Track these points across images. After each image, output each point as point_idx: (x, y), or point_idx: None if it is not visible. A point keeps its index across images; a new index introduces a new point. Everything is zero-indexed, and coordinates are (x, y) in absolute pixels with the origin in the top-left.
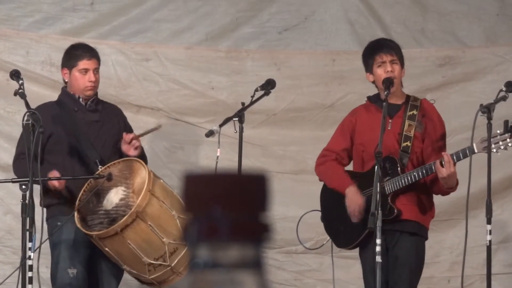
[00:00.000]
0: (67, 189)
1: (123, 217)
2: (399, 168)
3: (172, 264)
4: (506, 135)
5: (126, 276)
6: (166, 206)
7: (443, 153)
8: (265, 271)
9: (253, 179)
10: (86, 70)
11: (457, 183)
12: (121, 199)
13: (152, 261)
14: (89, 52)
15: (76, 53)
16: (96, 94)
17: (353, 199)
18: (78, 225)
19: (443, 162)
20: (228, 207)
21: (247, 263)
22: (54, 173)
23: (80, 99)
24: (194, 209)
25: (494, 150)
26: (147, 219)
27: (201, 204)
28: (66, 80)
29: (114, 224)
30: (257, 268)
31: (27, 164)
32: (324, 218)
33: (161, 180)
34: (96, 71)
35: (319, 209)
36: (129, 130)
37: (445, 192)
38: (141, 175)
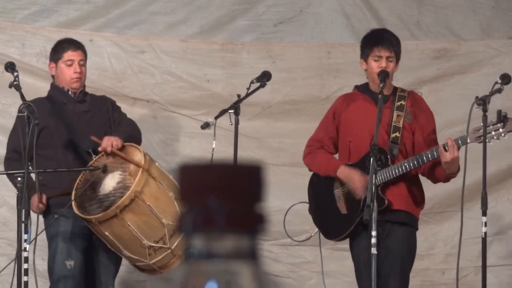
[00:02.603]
0: (59, 186)
1: (121, 198)
2: (389, 159)
3: (172, 247)
4: (499, 125)
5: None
6: (163, 187)
7: (446, 137)
8: (260, 261)
9: (248, 170)
10: (71, 62)
11: (458, 169)
12: (118, 182)
13: (152, 244)
14: (74, 44)
15: (62, 46)
16: (83, 86)
17: (350, 176)
18: (77, 212)
19: (446, 147)
20: (224, 197)
21: (242, 254)
22: (34, 199)
23: (69, 92)
24: (190, 199)
25: (487, 140)
26: (145, 199)
27: (197, 194)
28: (53, 74)
29: (113, 206)
30: (252, 258)
31: (18, 165)
32: (312, 210)
33: (157, 163)
34: (81, 63)
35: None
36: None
37: (446, 178)
38: (137, 157)
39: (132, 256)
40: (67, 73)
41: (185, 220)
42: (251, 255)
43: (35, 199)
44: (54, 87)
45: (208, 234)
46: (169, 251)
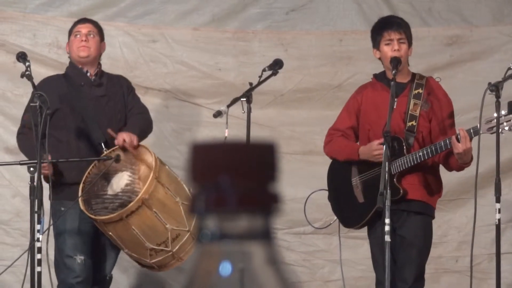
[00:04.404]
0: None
1: (129, 203)
2: (404, 148)
3: (174, 250)
4: (511, 115)
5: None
6: (171, 193)
7: (459, 128)
8: (274, 241)
9: (260, 148)
10: (78, 33)
11: (471, 159)
12: (126, 185)
13: (154, 246)
14: (84, 19)
15: (74, 23)
16: (99, 66)
17: (368, 151)
18: (82, 208)
19: (459, 137)
20: (236, 176)
21: (256, 234)
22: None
23: (88, 73)
24: (202, 179)
25: (499, 131)
26: (152, 206)
27: (209, 174)
28: (68, 52)
29: (120, 210)
30: (266, 238)
31: (31, 141)
32: (331, 198)
33: (167, 167)
34: (90, 34)
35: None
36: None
37: (459, 168)
38: (148, 161)
39: (132, 254)
40: (75, 44)
41: (198, 201)
42: (265, 235)
43: (45, 164)
44: (72, 66)
45: (221, 214)
46: (170, 253)
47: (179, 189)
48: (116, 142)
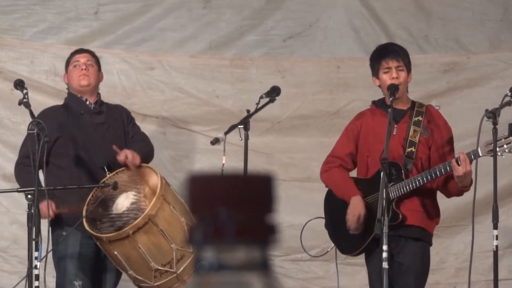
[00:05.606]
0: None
1: (135, 220)
2: (403, 174)
3: (178, 271)
4: (511, 138)
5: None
6: (176, 212)
7: (459, 152)
8: (271, 272)
9: (259, 180)
10: (77, 63)
11: (471, 182)
12: (132, 203)
13: (159, 267)
14: (81, 49)
15: (71, 54)
16: (99, 95)
17: (354, 208)
18: (87, 228)
19: (459, 161)
20: (234, 208)
21: (253, 265)
22: (44, 205)
23: (87, 102)
24: (200, 210)
25: (499, 154)
26: (158, 223)
27: (207, 205)
28: (66, 82)
29: (126, 227)
30: (263, 269)
31: (29, 171)
32: (328, 225)
33: (171, 187)
34: (89, 63)
35: (324, 216)
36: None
37: (459, 192)
38: (153, 180)
39: (137, 276)
40: (75, 74)
41: (196, 232)
42: (263, 266)
43: (44, 204)
44: (70, 95)
45: (219, 245)
46: (174, 275)
47: (184, 210)
48: (118, 158)
